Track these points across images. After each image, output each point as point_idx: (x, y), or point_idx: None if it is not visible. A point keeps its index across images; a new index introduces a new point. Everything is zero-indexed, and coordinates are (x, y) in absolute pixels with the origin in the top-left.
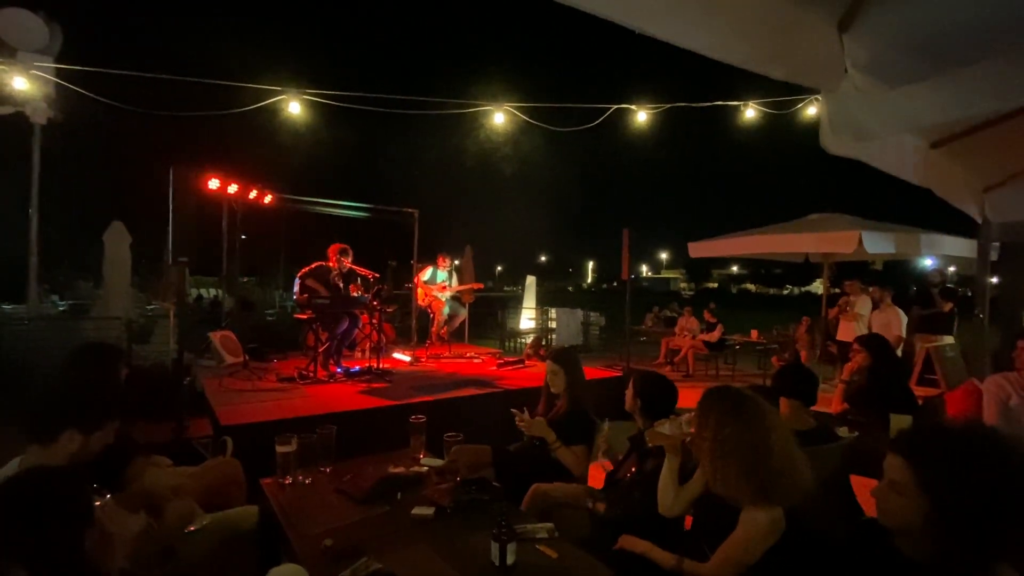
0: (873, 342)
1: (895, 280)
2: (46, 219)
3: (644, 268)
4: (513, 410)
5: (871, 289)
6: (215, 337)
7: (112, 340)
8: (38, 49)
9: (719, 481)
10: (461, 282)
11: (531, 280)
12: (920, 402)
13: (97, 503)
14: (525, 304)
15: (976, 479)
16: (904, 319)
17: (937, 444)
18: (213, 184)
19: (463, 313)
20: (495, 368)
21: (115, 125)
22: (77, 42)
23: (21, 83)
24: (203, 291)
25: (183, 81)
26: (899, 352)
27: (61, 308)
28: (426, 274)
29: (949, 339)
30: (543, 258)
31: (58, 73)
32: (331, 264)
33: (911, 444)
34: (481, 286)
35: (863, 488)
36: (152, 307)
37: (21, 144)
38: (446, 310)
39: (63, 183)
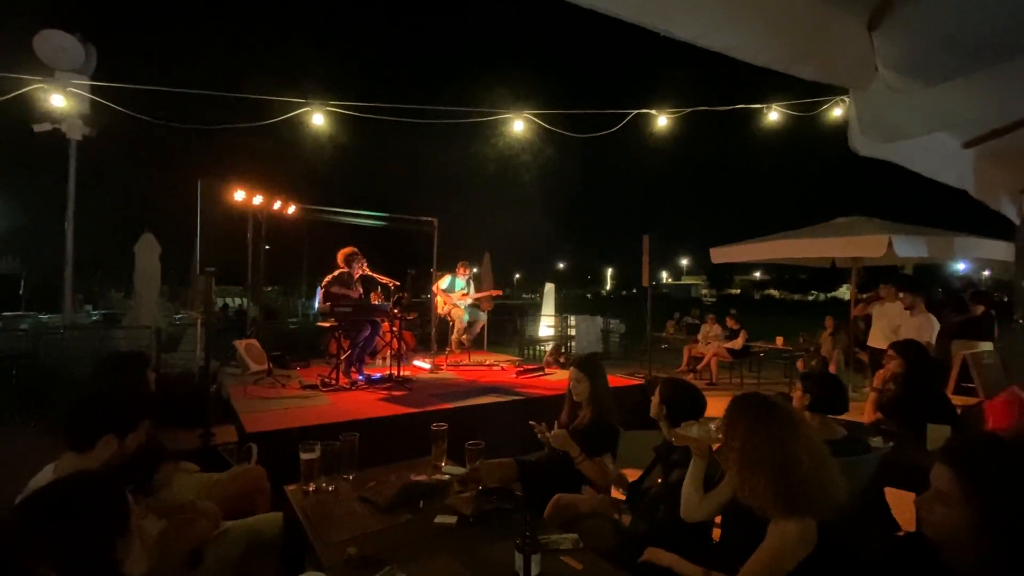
0: (909, 348)
1: (926, 285)
2: (80, 231)
3: (664, 274)
4: (531, 423)
5: (902, 295)
6: (240, 345)
7: (142, 348)
8: (74, 69)
9: (748, 491)
10: (479, 290)
11: (550, 287)
12: (958, 411)
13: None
14: (544, 311)
15: None
16: (936, 326)
17: (988, 455)
18: (239, 196)
19: (483, 319)
20: (515, 376)
21: (145, 140)
22: (109, 59)
23: (58, 101)
24: (229, 300)
25: (210, 96)
26: (954, 363)
27: (94, 317)
28: (444, 282)
29: (987, 345)
30: (561, 265)
31: (92, 90)
32: (347, 270)
33: (960, 454)
34: (500, 292)
35: (899, 501)
36: (180, 316)
37: (57, 159)
38: (465, 317)
39: (97, 196)
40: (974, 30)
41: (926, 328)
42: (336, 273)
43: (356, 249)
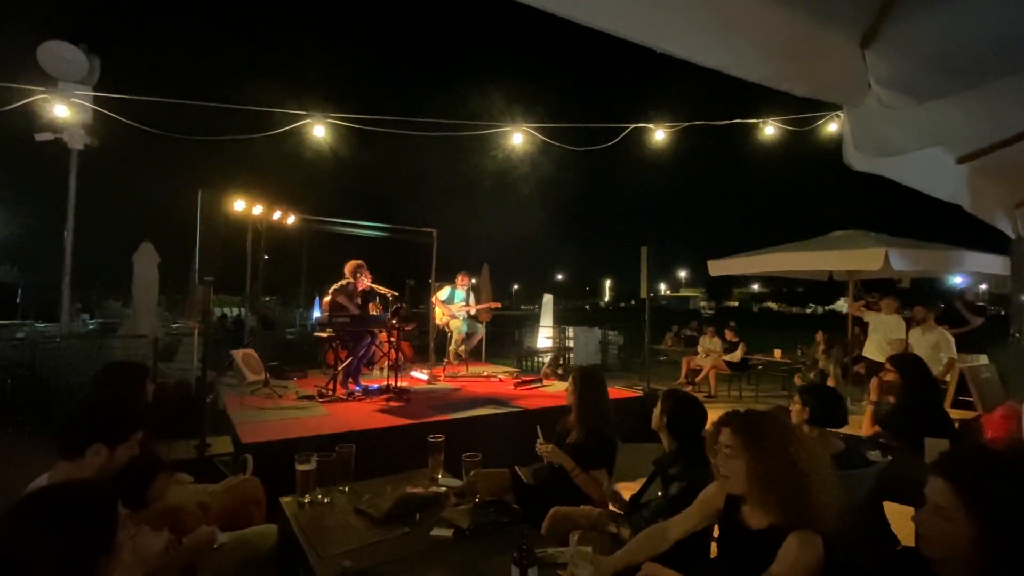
0: (905, 362)
1: (922, 299)
2: (79, 241)
3: (663, 286)
4: (539, 441)
5: (914, 309)
6: (237, 355)
7: (138, 358)
8: (78, 80)
9: (762, 507)
10: (478, 301)
11: (548, 298)
12: (956, 425)
13: (123, 519)
14: (542, 323)
15: None
16: (952, 340)
17: (984, 466)
18: (239, 206)
19: (481, 331)
20: (513, 387)
21: (147, 150)
22: (113, 69)
23: (61, 111)
24: (226, 310)
25: (212, 107)
26: (951, 376)
27: (91, 327)
28: (443, 293)
29: (984, 358)
30: (560, 276)
31: (95, 100)
32: (352, 281)
33: (956, 466)
34: (499, 305)
35: (897, 516)
36: (177, 325)
37: (58, 169)
38: (463, 328)
39: (97, 206)
40: (966, 48)
41: (943, 344)
42: (342, 283)
43: (363, 263)
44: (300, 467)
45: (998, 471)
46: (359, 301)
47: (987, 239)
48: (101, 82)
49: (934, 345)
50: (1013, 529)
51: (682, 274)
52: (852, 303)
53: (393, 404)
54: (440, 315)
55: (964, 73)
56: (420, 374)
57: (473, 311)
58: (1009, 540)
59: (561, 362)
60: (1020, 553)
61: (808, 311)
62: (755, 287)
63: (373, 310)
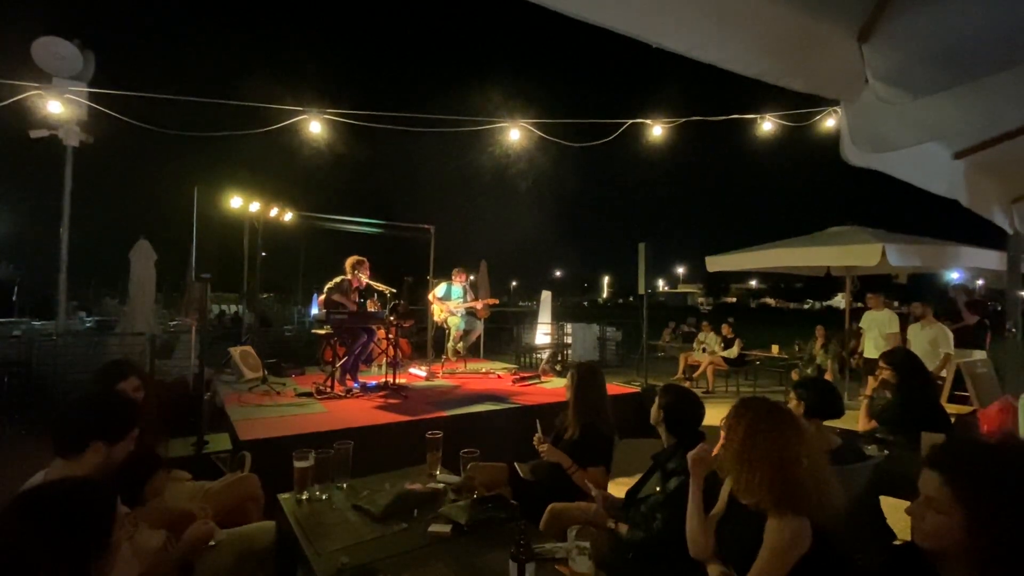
0: (900, 359)
1: (919, 294)
2: (75, 238)
3: (661, 283)
4: (537, 436)
5: (912, 304)
6: (235, 352)
7: (135, 355)
8: (72, 76)
9: (744, 487)
10: (477, 297)
11: (546, 295)
12: (952, 420)
13: (122, 517)
14: (541, 319)
15: (1017, 493)
16: (951, 336)
17: (975, 457)
18: (235, 202)
19: (479, 328)
20: (511, 384)
21: (142, 146)
22: (108, 65)
23: (56, 107)
24: (224, 307)
25: (208, 103)
26: (947, 371)
27: (88, 324)
28: (440, 290)
29: (980, 354)
30: (558, 273)
31: (90, 96)
32: (349, 277)
33: (948, 458)
34: (496, 301)
35: (894, 510)
36: (175, 323)
37: (53, 166)
38: (461, 325)
39: (93, 203)
40: (963, 43)
41: (942, 339)
42: (338, 280)
43: (364, 259)
44: (298, 464)
45: (988, 462)
46: (356, 298)
47: (984, 235)
48: (96, 78)
49: (932, 340)
50: (1005, 520)
51: (680, 270)
52: (855, 343)
53: (391, 401)
54: (438, 312)
55: (961, 68)
56: (418, 371)
57: (480, 306)
58: (1001, 530)
59: (559, 358)
60: (1013, 544)
61: (806, 307)
62: (753, 283)
63: (371, 307)
